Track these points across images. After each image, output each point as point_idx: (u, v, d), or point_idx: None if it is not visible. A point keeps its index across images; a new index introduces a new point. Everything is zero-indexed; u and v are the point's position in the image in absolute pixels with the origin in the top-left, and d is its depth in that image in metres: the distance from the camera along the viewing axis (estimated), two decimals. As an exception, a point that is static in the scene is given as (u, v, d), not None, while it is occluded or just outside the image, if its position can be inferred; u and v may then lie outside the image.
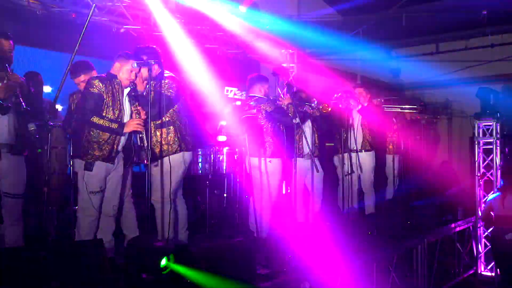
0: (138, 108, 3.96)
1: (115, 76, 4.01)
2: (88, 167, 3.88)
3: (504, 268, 6.64)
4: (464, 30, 9.86)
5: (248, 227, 5.30)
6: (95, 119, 3.84)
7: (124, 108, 4.05)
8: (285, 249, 4.03)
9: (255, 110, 5.17)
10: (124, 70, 4.00)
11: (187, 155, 4.42)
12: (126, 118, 4.04)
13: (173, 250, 3.39)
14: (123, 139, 4.05)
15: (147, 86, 4.10)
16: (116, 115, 3.96)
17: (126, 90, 4.08)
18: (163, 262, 3.23)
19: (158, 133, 4.27)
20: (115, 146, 3.98)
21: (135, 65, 3.94)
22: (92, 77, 4.01)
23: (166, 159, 4.28)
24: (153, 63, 3.93)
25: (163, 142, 4.27)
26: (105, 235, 4.04)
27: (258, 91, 5.26)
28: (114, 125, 3.88)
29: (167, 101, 4.23)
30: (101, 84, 3.89)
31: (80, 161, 3.94)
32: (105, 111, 3.92)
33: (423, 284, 5.93)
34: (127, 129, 3.93)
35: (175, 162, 4.31)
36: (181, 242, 4.76)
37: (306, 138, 5.51)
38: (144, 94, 4.13)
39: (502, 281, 6.79)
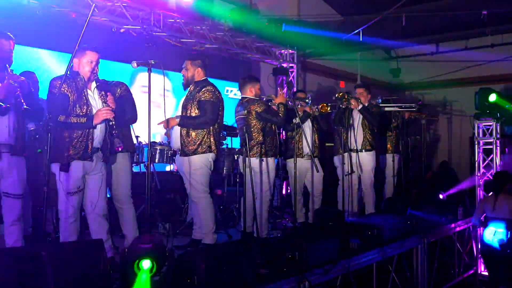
0: (108, 98, 3.90)
1: (77, 73, 3.92)
2: (64, 168, 3.80)
3: (490, 267, 6.69)
4: (464, 30, 9.86)
5: (248, 227, 5.30)
6: (62, 118, 3.75)
7: (92, 103, 3.94)
8: (285, 249, 4.03)
9: (245, 111, 5.17)
10: (83, 63, 3.91)
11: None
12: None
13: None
14: (98, 135, 3.93)
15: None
16: (84, 111, 3.87)
17: (93, 85, 3.99)
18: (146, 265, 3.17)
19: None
20: (89, 143, 3.87)
21: (135, 64, 3.90)
22: (54, 78, 3.91)
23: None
24: (153, 62, 3.90)
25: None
26: (98, 235, 3.95)
27: (249, 91, 5.30)
28: (83, 120, 3.79)
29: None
30: (63, 84, 3.81)
31: (55, 164, 3.83)
32: (72, 109, 3.83)
33: (423, 284, 5.93)
34: (96, 120, 3.83)
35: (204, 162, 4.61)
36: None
37: (306, 138, 5.52)
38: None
39: (489, 280, 6.81)
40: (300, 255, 3.95)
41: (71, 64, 3.84)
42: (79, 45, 3.70)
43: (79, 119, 3.79)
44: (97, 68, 3.99)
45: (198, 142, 4.59)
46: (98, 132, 3.94)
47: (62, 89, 3.80)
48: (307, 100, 5.79)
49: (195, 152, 4.57)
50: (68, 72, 3.85)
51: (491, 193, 6.92)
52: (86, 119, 3.81)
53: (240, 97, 5.47)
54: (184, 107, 4.68)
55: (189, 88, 4.75)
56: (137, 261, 3.10)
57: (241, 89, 5.40)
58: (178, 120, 4.58)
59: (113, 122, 3.86)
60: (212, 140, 4.64)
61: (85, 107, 3.88)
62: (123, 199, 4.38)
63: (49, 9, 6.28)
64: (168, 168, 6.54)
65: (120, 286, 3.31)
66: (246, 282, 3.52)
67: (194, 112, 4.61)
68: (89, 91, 3.96)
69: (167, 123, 4.59)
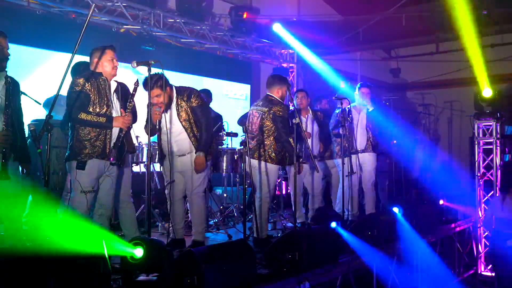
0: (127, 113, 3.95)
1: (99, 74, 3.97)
2: (81, 166, 3.82)
3: (502, 272, 6.65)
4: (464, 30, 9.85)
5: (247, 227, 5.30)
6: (83, 116, 3.79)
7: (113, 104, 3.99)
8: (285, 249, 4.03)
9: (266, 109, 5.16)
10: (105, 62, 3.96)
11: None
12: (114, 114, 3.99)
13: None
14: (115, 135, 3.97)
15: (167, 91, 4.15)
16: (104, 111, 3.91)
17: (113, 85, 4.04)
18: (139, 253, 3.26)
19: None
20: (107, 142, 3.92)
21: (135, 64, 3.90)
22: (77, 76, 3.95)
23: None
24: (153, 63, 3.89)
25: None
26: None
27: (276, 92, 5.25)
28: (102, 119, 3.84)
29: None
30: (86, 83, 3.86)
31: (73, 162, 3.86)
32: (91, 108, 3.87)
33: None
34: (116, 124, 3.90)
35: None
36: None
37: (306, 139, 5.51)
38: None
39: (499, 283, 6.80)
40: (300, 255, 3.94)
41: (70, 65, 3.82)
42: (80, 45, 3.69)
43: (98, 118, 3.84)
44: (117, 64, 4.04)
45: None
46: (116, 133, 3.98)
47: (85, 87, 3.83)
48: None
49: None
50: (90, 72, 3.92)
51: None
52: (106, 119, 3.86)
53: (243, 97, 5.46)
54: (178, 123, 4.54)
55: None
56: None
57: (268, 86, 5.34)
58: (202, 154, 4.48)
59: (122, 134, 3.93)
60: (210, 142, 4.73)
61: (105, 107, 3.92)
62: (123, 199, 4.38)
63: (49, 9, 6.28)
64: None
65: (120, 286, 3.31)
66: (246, 282, 3.52)
67: (192, 119, 4.54)
68: (110, 93, 3.99)
69: (200, 165, 4.50)
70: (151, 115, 4.27)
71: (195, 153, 4.50)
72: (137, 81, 3.98)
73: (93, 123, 3.83)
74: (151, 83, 4.09)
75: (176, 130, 4.56)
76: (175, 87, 4.58)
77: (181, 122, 4.52)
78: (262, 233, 5.09)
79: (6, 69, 3.91)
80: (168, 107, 4.50)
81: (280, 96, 5.27)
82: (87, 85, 3.85)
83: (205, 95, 6.04)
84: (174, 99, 4.52)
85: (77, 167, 3.83)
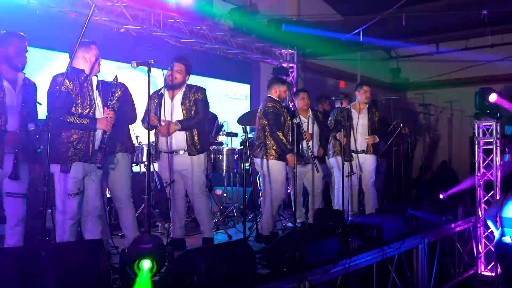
0: (109, 113, 3.86)
1: (81, 70, 3.83)
2: (65, 169, 3.72)
3: (506, 269, 6.63)
4: (464, 30, 9.87)
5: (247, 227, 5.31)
6: (64, 117, 3.67)
7: (95, 103, 3.88)
8: (285, 249, 4.02)
9: (261, 108, 5.27)
10: (89, 58, 3.86)
11: None
12: (97, 113, 3.88)
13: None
14: (99, 136, 3.87)
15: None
16: (87, 111, 3.80)
17: (94, 82, 3.93)
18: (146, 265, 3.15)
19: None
20: (90, 145, 3.81)
21: (135, 64, 3.89)
22: (56, 74, 3.78)
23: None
24: (152, 62, 3.89)
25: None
26: (92, 235, 3.91)
27: (274, 92, 5.38)
28: (85, 121, 3.74)
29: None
30: (67, 81, 3.71)
31: (55, 166, 3.75)
32: (74, 109, 3.75)
33: (423, 284, 5.93)
34: (99, 126, 3.80)
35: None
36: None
37: (306, 139, 5.52)
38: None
39: (503, 282, 6.79)
40: (300, 255, 3.94)
41: (70, 64, 3.81)
42: (79, 43, 3.68)
43: (81, 120, 3.74)
44: (100, 61, 3.99)
45: (203, 141, 4.74)
46: (99, 135, 3.89)
47: (64, 86, 3.70)
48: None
49: (201, 151, 4.71)
50: (69, 69, 3.73)
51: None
52: (89, 121, 3.76)
53: (243, 97, 5.52)
54: (179, 108, 4.68)
55: (177, 91, 4.73)
56: (137, 261, 3.10)
57: (267, 88, 5.51)
58: (179, 126, 4.59)
59: (107, 135, 3.86)
60: (206, 138, 4.87)
61: (88, 107, 3.81)
62: (123, 199, 4.38)
63: (49, 9, 6.28)
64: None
65: (120, 286, 3.30)
66: (246, 282, 3.52)
67: (192, 112, 4.69)
68: (93, 91, 3.89)
69: (168, 130, 4.58)
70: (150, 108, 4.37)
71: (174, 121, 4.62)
72: (116, 76, 3.93)
73: (76, 125, 3.73)
74: (181, 58, 4.66)
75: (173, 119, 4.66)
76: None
77: (182, 109, 4.66)
78: (268, 230, 5.13)
79: (23, 71, 3.89)
80: (173, 93, 4.70)
81: (278, 95, 5.34)
82: (68, 83, 3.72)
83: None
84: (183, 89, 4.71)
85: (61, 170, 3.73)
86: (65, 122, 3.71)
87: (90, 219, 3.96)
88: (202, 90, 4.81)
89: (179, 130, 4.61)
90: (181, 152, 4.69)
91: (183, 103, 4.67)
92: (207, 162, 5.21)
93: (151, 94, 4.13)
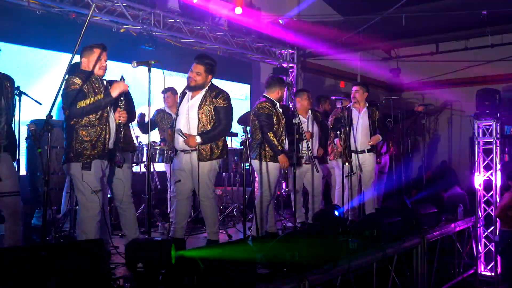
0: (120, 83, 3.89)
1: (91, 72, 3.93)
2: (87, 167, 3.80)
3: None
4: (464, 30, 9.86)
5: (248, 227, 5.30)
6: (81, 103, 3.74)
7: None
8: (285, 248, 4.03)
9: (255, 108, 5.24)
10: (92, 61, 3.92)
11: None
12: (111, 114, 3.97)
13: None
14: (112, 136, 3.97)
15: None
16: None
17: (103, 82, 4.02)
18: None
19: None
20: (106, 143, 3.91)
21: (135, 64, 3.89)
22: (69, 76, 3.85)
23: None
24: (153, 63, 3.89)
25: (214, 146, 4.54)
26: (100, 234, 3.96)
27: (275, 93, 5.30)
28: (100, 96, 3.79)
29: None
30: (79, 80, 3.80)
31: (76, 164, 3.83)
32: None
33: (423, 284, 5.92)
34: (115, 93, 3.83)
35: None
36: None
37: (306, 139, 5.52)
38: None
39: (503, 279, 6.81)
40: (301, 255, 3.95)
41: (71, 63, 3.82)
42: (80, 45, 3.69)
43: (96, 98, 3.78)
44: (106, 64, 4.00)
45: (215, 147, 4.57)
46: (113, 133, 3.97)
47: (77, 84, 3.78)
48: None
49: (211, 158, 4.55)
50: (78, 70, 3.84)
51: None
52: (103, 95, 3.80)
53: (243, 97, 5.50)
54: (195, 111, 4.54)
55: (197, 93, 4.61)
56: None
57: (267, 87, 5.37)
58: (199, 140, 4.44)
59: (123, 130, 3.93)
60: (224, 145, 4.68)
61: None
62: (123, 199, 4.37)
63: (49, 9, 6.28)
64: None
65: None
66: (246, 282, 3.52)
67: (210, 117, 4.51)
68: (103, 91, 3.93)
69: (188, 143, 4.46)
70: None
71: (196, 136, 4.45)
72: (122, 76, 3.95)
73: (93, 104, 3.76)
74: (200, 58, 4.51)
75: (186, 122, 4.53)
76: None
77: (198, 112, 4.49)
78: (262, 231, 5.12)
79: None
80: (193, 94, 4.59)
81: (278, 97, 5.30)
82: (80, 81, 3.81)
83: None
84: (204, 91, 4.56)
85: (83, 168, 3.80)
86: (82, 108, 3.73)
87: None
88: (225, 95, 4.60)
89: (200, 144, 4.47)
90: (191, 151, 4.58)
91: (200, 107, 4.50)
92: (221, 167, 5.14)
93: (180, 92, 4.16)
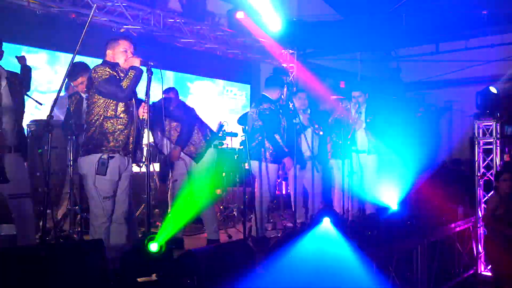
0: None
1: (116, 64, 3.77)
2: (101, 171, 3.59)
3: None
4: (464, 30, 9.87)
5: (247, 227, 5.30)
6: (124, 83, 3.58)
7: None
8: (285, 249, 4.03)
9: (255, 109, 5.25)
10: (118, 54, 3.79)
11: None
12: (134, 110, 3.83)
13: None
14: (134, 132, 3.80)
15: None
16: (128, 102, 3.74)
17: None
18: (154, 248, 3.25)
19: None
20: (130, 137, 3.72)
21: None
22: (98, 65, 3.71)
23: None
24: (152, 63, 3.86)
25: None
26: (116, 240, 3.81)
27: (276, 93, 5.31)
28: (131, 73, 3.63)
29: None
30: (110, 70, 3.65)
31: (91, 162, 3.61)
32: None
33: (423, 284, 5.92)
34: (136, 63, 3.67)
35: None
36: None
37: (306, 139, 5.52)
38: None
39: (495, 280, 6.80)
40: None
41: (70, 65, 3.80)
42: (80, 45, 3.68)
43: (130, 75, 3.62)
44: (131, 56, 3.83)
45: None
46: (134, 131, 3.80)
47: (110, 72, 3.64)
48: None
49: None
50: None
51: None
52: (133, 72, 3.63)
53: (243, 97, 5.49)
54: None
55: None
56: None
57: (267, 87, 5.38)
58: (179, 148, 4.70)
59: (143, 131, 3.88)
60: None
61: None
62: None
63: (49, 9, 6.29)
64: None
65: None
66: (245, 282, 3.52)
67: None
68: None
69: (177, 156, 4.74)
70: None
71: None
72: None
73: (133, 78, 3.61)
74: None
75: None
76: None
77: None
78: (262, 233, 5.11)
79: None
80: None
81: (275, 96, 5.30)
82: (111, 71, 3.66)
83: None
84: None
85: (98, 172, 3.60)
86: (128, 86, 3.59)
87: (117, 226, 3.83)
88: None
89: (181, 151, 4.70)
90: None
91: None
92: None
93: None
